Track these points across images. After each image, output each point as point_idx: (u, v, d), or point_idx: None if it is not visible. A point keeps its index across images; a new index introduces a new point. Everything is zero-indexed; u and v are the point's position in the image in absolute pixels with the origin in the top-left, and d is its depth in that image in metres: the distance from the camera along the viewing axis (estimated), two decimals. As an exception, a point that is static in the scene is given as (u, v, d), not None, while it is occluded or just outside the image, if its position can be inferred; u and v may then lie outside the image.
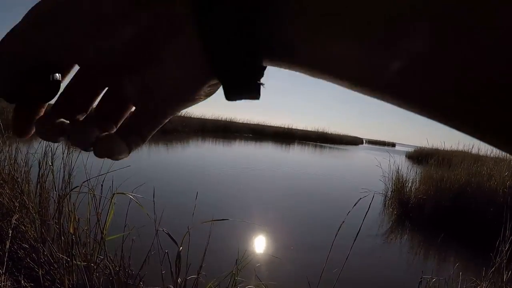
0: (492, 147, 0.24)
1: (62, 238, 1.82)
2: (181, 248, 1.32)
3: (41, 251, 1.96)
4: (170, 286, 1.47)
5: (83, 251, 1.76)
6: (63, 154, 2.12)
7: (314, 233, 4.01)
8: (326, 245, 1.44)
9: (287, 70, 0.20)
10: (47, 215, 2.39)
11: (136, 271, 1.72)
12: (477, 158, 6.72)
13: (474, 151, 8.28)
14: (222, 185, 6.34)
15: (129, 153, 0.22)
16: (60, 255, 1.76)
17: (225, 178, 7.27)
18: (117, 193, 1.48)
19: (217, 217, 1.51)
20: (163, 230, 1.41)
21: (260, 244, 3.42)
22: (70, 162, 2.19)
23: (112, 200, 1.50)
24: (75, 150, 2.27)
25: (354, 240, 1.40)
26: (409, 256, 3.87)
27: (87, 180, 1.68)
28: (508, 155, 6.58)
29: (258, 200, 5.53)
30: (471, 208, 4.85)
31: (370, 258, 3.47)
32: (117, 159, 0.22)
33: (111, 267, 1.69)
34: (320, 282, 1.47)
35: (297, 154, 17.85)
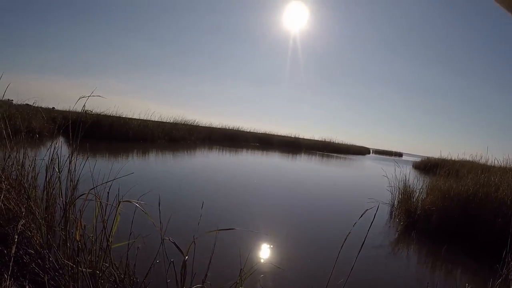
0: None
1: (68, 244, 1.83)
2: (187, 257, 1.32)
3: (47, 257, 1.96)
4: (175, 295, 1.47)
5: (89, 258, 1.77)
6: (69, 160, 2.14)
7: (320, 244, 3.98)
8: (332, 255, 1.43)
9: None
10: (53, 221, 2.40)
11: (141, 279, 1.72)
12: (485, 168, 6.65)
13: (482, 161, 8.21)
14: (228, 193, 6.34)
15: None
16: (66, 262, 1.76)
17: (231, 186, 7.27)
18: (123, 201, 1.48)
19: (222, 226, 1.51)
20: (169, 239, 1.41)
21: (265, 254, 3.40)
22: (76, 168, 2.20)
23: (118, 208, 1.51)
24: (81, 157, 2.29)
25: (359, 251, 1.40)
26: (415, 267, 3.82)
27: (94, 188, 1.69)
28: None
29: (263, 209, 5.53)
30: (479, 218, 4.79)
31: (377, 268, 3.43)
32: None
33: (116, 275, 1.70)
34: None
35: (304, 163, 17.82)
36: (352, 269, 1.39)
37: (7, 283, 1.58)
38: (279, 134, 34.44)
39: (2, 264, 1.88)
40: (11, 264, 1.52)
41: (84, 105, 2.22)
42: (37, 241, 2.09)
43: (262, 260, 3.13)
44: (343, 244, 1.36)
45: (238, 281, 1.55)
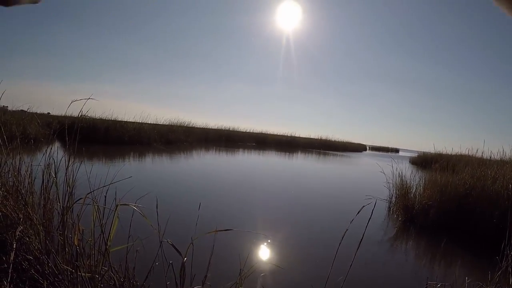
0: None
1: (67, 249, 1.82)
2: (185, 259, 1.32)
3: (46, 262, 1.96)
4: (175, 297, 1.47)
5: (88, 263, 1.76)
6: (66, 165, 2.13)
7: (320, 242, 3.99)
8: (332, 253, 1.44)
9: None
10: (51, 226, 2.39)
11: (141, 282, 1.71)
12: (481, 162, 6.68)
13: (478, 155, 8.24)
14: (225, 194, 6.34)
15: None
16: (65, 267, 1.76)
17: (229, 187, 7.27)
18: (120, 204, 1.48)
19: (220, 227, 1.51)
20: (167, 241, 1.41)
21: (264, 253, 3.40)
22: (73, 173, 2.20)
23: (116, 211, 1.50)
24: (76, 162, 2.28)
25: (358, 247, 1.40)
26: (414, 262, 3.84)
27: (91, 192, 1.68)
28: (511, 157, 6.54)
29: (261, 209, 5.53)
30: (476, 212, 4.82)
31: (376, 264, 3.45)
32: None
33: (115, 278, 1.69)
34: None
35: (301, 161, 17.85)
36: (351, 266, 1.40)
37: (7, 290, 1.57)
38: (275, 133, 34.46)
39: (1, 271, 1.87)
40: (10, 271, 1.51)
41: (81, 110, 2.21)
42: (36, 247, 2.08)
43: (261, 260, 3.14)
44: (341, 242, 1.36)
45: (238, 281, 1.55)
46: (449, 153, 10.39)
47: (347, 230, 1.37)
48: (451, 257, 4.09)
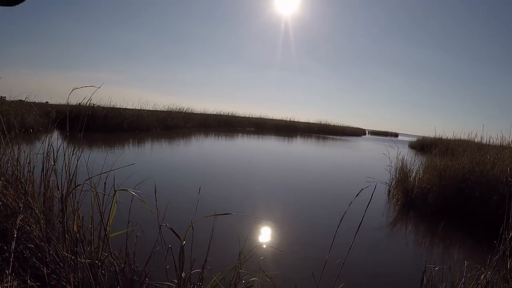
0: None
1: (67, 236, 1.83)
2: (184, 242, 1.32)
3: (47, 250, 1.97)
4: (174, 280, 1.48)
5: (88, 249, 1.77)
6: (64, 153, 2.13)
7: (320, 225, 4.02)
8: (331, 236, 1.44)
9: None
10: (51, 214, 2.40)
11: (141, 267, 1.72)
12: (480, 147, 6.66)
13: (477, 139, 8.19)
14: (224, 179, 6.34)
15: None
16: (65, 254, 1.77)
17: (228, 171, 7.28)
18: (119, 190, 1.48)
19: (220, 211, 1.51)
20: (166, 225, 1.41)
21: (264, 237, 3.43)
22: (71, 161, 2.19)
23: (115, 197, 1.50)
24: (77, 150, 2.28)
25: (357, 231, 1.40)
26: (413, 245, 3.87)
27: (89, 178, 1.68)
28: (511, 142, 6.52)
29: (261, 193, 5.56)
30: (475, 196, 4.83)
31: (375, 248, 3.48)
32: None
33: (115, 264, 1.70)
34: (324, 272, 1.48)
35: (300, 146, 17.87)
36: (350, 249, 1.40)
37: (9, 279, 1.58)
38: (274, 118, 34.25)
39: (2, 260, 1.88)
40: (11, 260, 1.51)
41: (86, 98, 2.19)
42: (37, 235, 2.10)
43: (261, 244, 3.17)
44: (339, 225, 1.37)
45: (237, 264, 1.56)
46: (449, 138, 10.34)
47: (345, 213, 1.37)
48: (450, 240, 4.12)
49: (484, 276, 1.95)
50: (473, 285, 1.95)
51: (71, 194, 1.94)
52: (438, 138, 10.85)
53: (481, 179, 4.94)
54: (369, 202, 1.38)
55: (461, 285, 1.96)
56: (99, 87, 2.03)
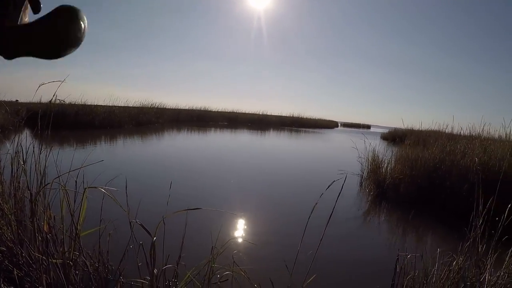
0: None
1: (38, 237, 1.78)
2: (154, 238, 1.31)
3: (19, 252, 1.91)
4: (147, 277, 1.46)
5: (61, 249, 1.73)
6: (34, 152, 2.07)
7: (292, 217, 4.07)
8: (303, 228, 1.46)
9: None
10: (23, 215, 2.33)
11: (115, 265, 1.70)
12: (451, 137, 6.85)
13: (448, 130, 8.42)
14: (196, 174, 6.31)
15: None
16: (37, 255, 1.72)
17: (200, 166, 7.24)
18: (89, 187, 1.45)
19: (192, 206, 1.50)
20: (136, 222, 1.40)
21: (237, 231, 3.47)
22: (40, 160, 2.13)
23: (84, 195, 1.47)
24: (47, 148, 2.22)
25: (328, 221, 1.43)
26: (386, 235, 3.97)
27: (58, 177, 1.64)
28: (481, 132, 6.73)
29: (234, 185, 5.62)
30: (446, 185, 4.98)
31: (349, 238, 3.55)
32: None
33: (88, 264, 1.67)
34: (298, 263, 1.49)
35: (273, 139, 18.00)
36: (321, 239, 1.42)
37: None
38: (247, 112, 34.42)
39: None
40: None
41: (54, 96, 2.12)
42: (8, 237, 2.03)
43: (234, 238, 3.22)
44: (310, 215, 1.38)
45: (210, 259, 1.56)
46: (420, 129, 10.58)
47: (316, 204, 1.39)
48: (423, 229, 4.25)
49: (456, 262, 2.02)
50: (445, 271, 2.01)
51: (41, 193, 1.88)
52: (410, 129, 11.08)
53: (451, 169, 5.09)
54: (339, 193, 1.41)
55: (433, 272, 2.02)
56: (63, 81, 1.96)
